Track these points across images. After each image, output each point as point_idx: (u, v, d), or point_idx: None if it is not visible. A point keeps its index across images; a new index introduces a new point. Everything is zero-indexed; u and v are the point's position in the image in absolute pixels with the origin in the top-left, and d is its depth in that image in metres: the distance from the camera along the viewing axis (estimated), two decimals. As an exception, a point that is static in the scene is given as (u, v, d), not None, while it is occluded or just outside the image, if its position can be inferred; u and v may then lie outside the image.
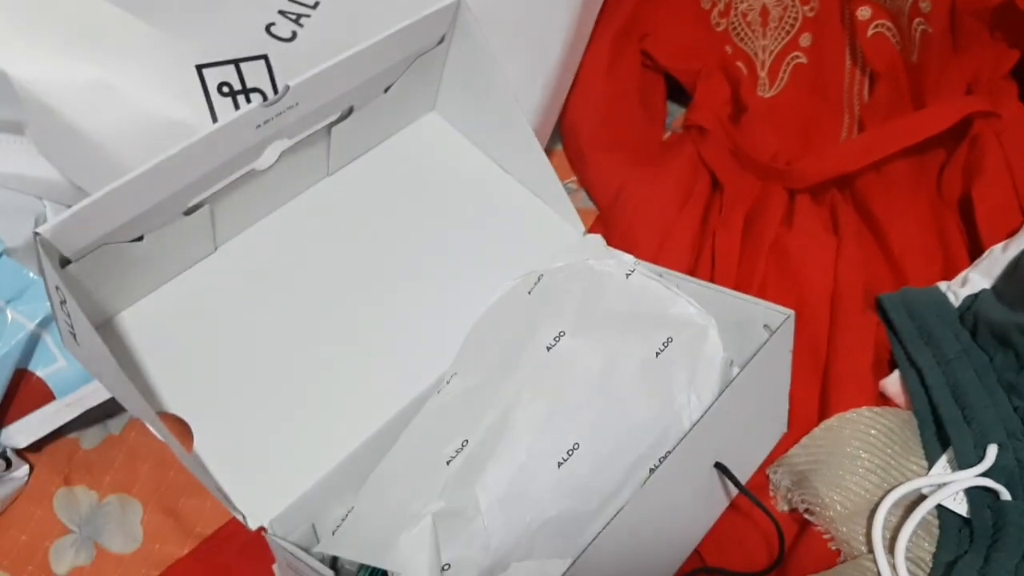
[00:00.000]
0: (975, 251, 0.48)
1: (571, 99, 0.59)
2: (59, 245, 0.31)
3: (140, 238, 0.35)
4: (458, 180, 0.45)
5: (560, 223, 0.45)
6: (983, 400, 0.40)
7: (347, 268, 0.41)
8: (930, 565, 0.37)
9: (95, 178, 0.42)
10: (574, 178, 0.60)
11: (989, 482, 0.37)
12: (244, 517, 0.35)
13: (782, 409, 0.43)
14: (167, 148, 0.31)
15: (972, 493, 0.38)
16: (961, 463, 0.39)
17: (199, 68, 0.41)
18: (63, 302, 0.31)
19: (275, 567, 0.39)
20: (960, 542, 0.37)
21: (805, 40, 0.59)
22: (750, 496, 0.38)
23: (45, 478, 0.47)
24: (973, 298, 0.44)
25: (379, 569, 0.35)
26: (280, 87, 0.35)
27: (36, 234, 0.29)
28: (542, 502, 0.35)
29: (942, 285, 0.46)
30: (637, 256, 0.43)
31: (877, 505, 0.38)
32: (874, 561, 0.37)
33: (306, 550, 0.35)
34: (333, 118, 0.39)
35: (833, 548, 0.39)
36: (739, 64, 0.60)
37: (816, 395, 0.44)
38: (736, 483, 0.38)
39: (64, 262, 0.32)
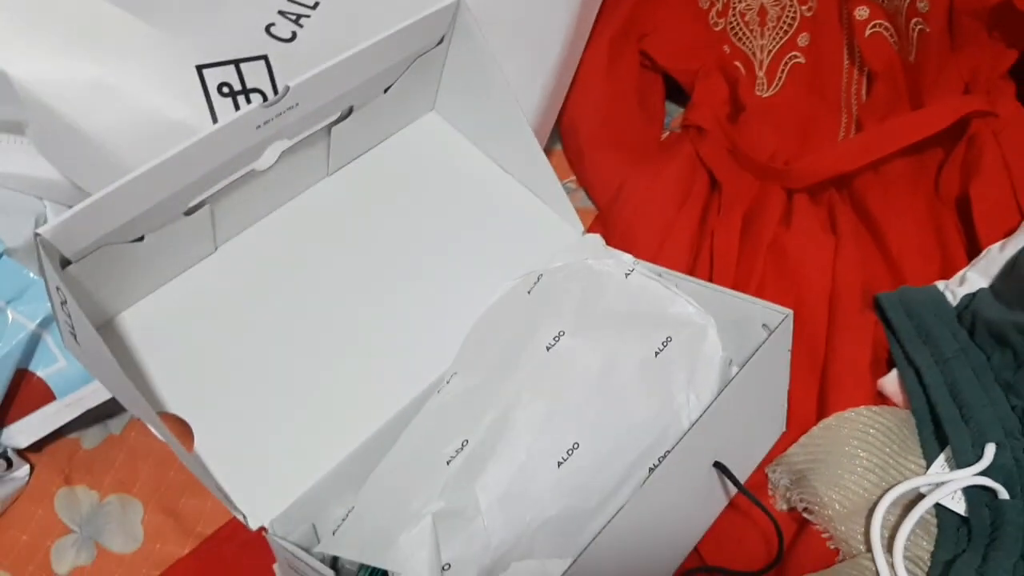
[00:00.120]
0: (973, 250, 0.48)
1: (570, 99, 0.59)
2: (60, 246, 0.31)
3: (141, 238, 0.35)
4: (458, 180, 0.45)
5: (559, 223, 0.45)
6: (981, 399, 0.40)
7: (347, 268, 0.41)
8: (928, 564, 0.37)
9: (95, 178, 0.42)
10: (573, 178, 0.60)
11: (987, 481, 0.37)
12: (245, 517, 0.35)
13: (781, 408, 0.43)
14: (167, 148, 0.31)
15: (970, 492, 0.38)
16: (959, 462, 0.39)
17: (199, 68, 0.41)
18: (64, 302, 0.31)
19: (275, 567, 0.39)
20: (958, 541, 0.37)
21: (803, 40, 0.59)
22: (749, 495, 0.38)
23: (46, 478, 0.48)
24: (971, 297, 0.44)
25: (379, 569, 0.35)
26: (280, 87, 0.35)
27: (37, 235, 0.30)
28: (542, 501, 0.35)
29: (940, 284, 0.46)
30: (636, 255, 0.43)
31: (875, 504, 0.38)
32: (872, 560, 0.37)
33: (306, 550, 0.35)
34: (333, 118, 0.40)
35: (832, 547, 0.39)
36: (737, 64, 0.60)
37: (814, 394, 0.44)
38: (735, 482, 0.38)
39: (65, 262, 0.32)
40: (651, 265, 0.43)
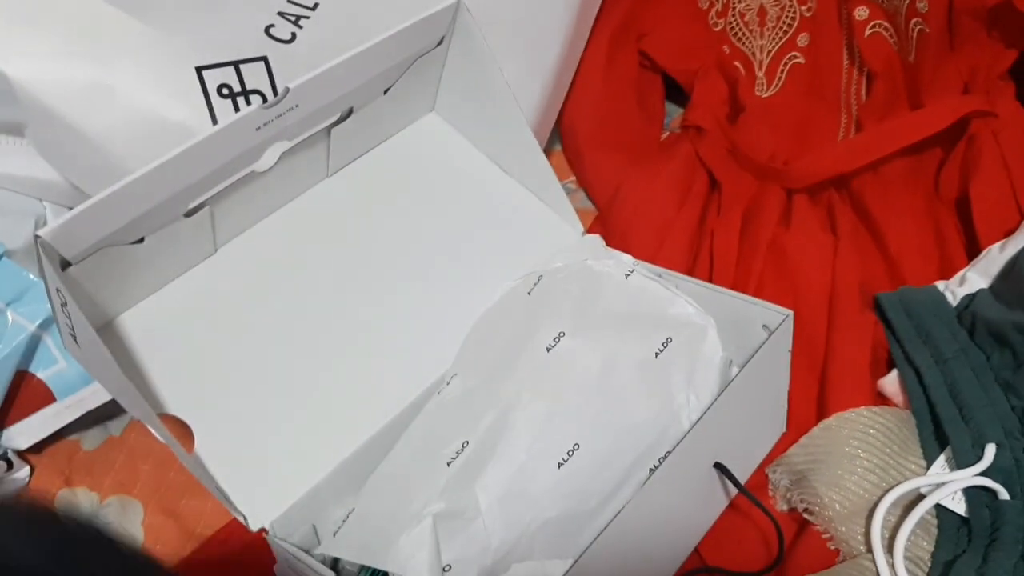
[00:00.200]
0: (972, 250, 0.48)
1: (570, 99, 0.59)
2: (60, 248, 0.31)
3: (141, 240, 0.35)
4: (457, 181, 0.45)
5: (559, 223, 0.45)
6: (981, 399, 0.40)
7: (347, 269, 0.41)
8: (929, 564, 0.37)
9: (94, 179, 0.42)
10: (573, 178, 0.60)
11: (987, 481, 0.37)
12: (245, 518, 0.35)
13: (781, 409, 0.43)
14: (167, 150, 0.31)
15: (970, 492, 0.38)
16: (959, 462, 0.39)
17: (199, 70, 0.41)
18: (64, 304, 0.31)
19: (276, 568, 0.39)
20: (958, 541, 0.37)
21: (803, 40, 0.59)
22: (749, 496, 0.38)
23: (46, 479, 0.47)
24: (971, 297, 0.44)
25: (380, 570, 0.35)
26: (280, 88, 0.35)
27: (37, 237, 0.30)
28: (542, 502, 0.35)
29: (940, 284, 0.46)
30: (635, 256, 0.43)
31: (876, 504, 0.38)
32: (873, 560, 0.37)
33: (307, 551, 0.35)
34: (333, 119, 0.40)
35: (832, 548, 0.39)
36: (737, 64, 0.60)
37: (814, 395, 0.44)
38: (735, 483, 0.38)
39: (65, 264, 0.32)
40: (651, 266, 0.43)
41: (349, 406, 0.38)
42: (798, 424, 0.43)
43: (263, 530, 0.35)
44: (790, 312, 0.38)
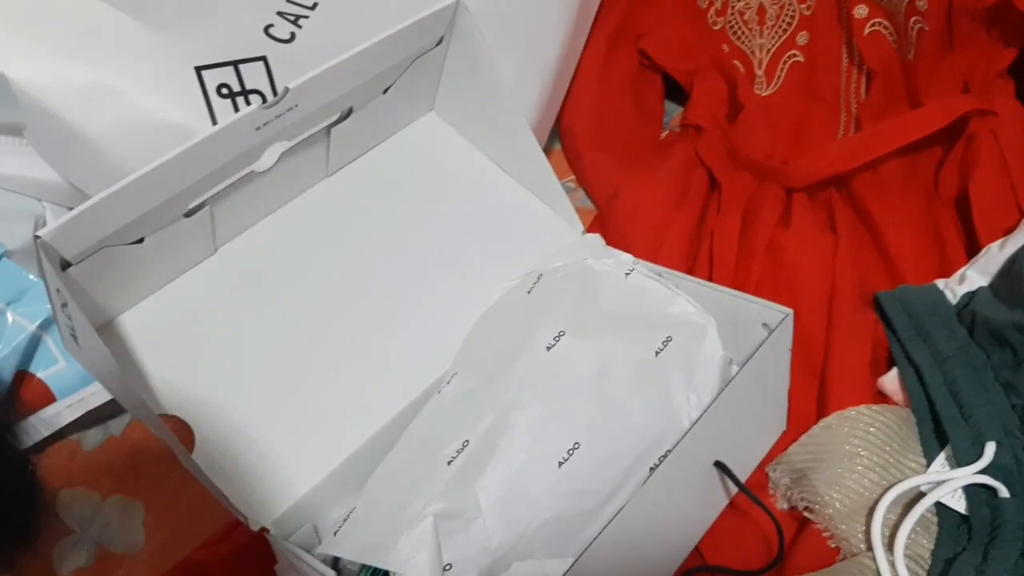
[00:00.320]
0: (972, 249, 0.48)
1: (568, 99, 0.59)
2: (60, 248, 0.31)
3: (140, 240, 0.35)
4: (457, 180, 0.45)
5: (559, 222, 0.45)
6: (980, 398, 0.40)
7: (346, 269, 0.41)
8: (929, 562, 0.37)
9: (94, 180, 0.42)
10: (572, 177, 0.60)
11: (987, 479, 0.37)
12: (246, 518, 0.35)
13: (781, 407, 0.43)
14: (166, 150, 0.31)
15: (970, 490, 0.38)
16: (959, 460, 0.39)
17: (198, 70, 0.41)
18: (64, 305, 0.31)
19: (276, 568, 0.39)
20: (959, 539, 0.37)
21: (802, 38, 0.59)
22: (749, 494, 0.38)
23: (46, 479, 0.47)
24: (970, 296, 0.44)
25: (380, 570, 0.35)
26: (279, 88, 0.35)
27: (37, 237, 0.30)
28: (542, 502, 0.35)
29: (939, 283, 0.46)
30: (634, 255, 0.43)
31: (876, 503, 0.38)
32: (873, 559, 0.37)
33: (308, 551, 0.35)
34: (332, 119, 0.40)
35: (832, 546, 0.39)
36: (736, 63, 0.60)
37: (814, 393, 0.44)
38: (736, 481, 0.38)
39: (65, 265, 0.32)
40: (651, 265, 0.43)
41: (350, 405, 0.38)
42: (798, 423, 0.43)
43: (263, 530, 0.35)
44: (790, 311, 0.38)
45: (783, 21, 0.60)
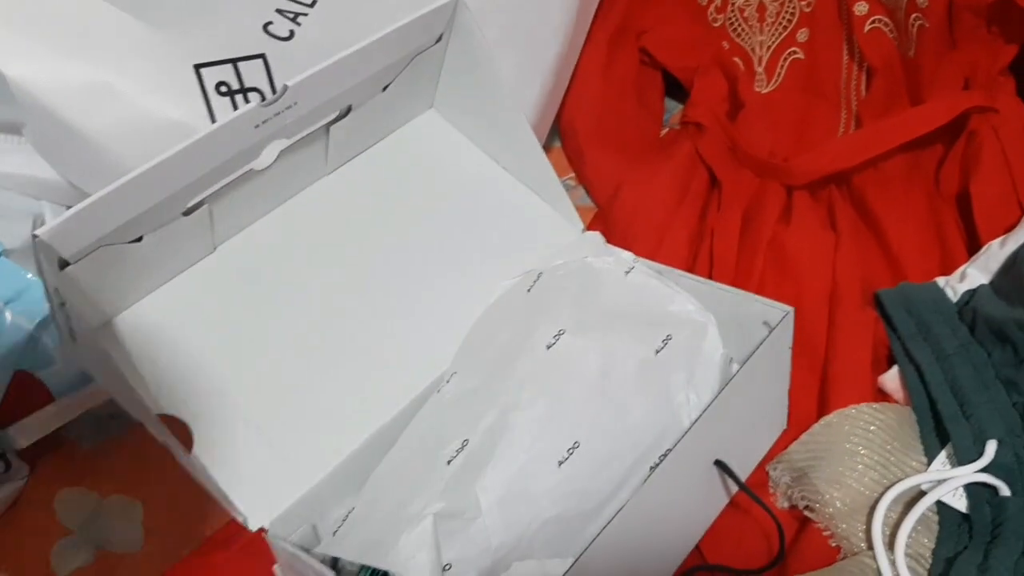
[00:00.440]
0: (973, 246, 0.48)
1: (568, 96, 0.59)
2: (58, 247, 0.31)
3: (139, 239, 0.35)
4: (457, 178, 0.45)
5: (559, 220, 0.45)
6: (981, 396, 0.40)
7: (346, 267, 0.41)
8: (930, 561, 0.37)
9: (93, 178, 0.42)
10: (572, 175, 0.60)
11: (988, 478, 0.37)
12: (245, 518, 0.35)
13: (782, 406, 0.43)
14: (165, 148, 0.31)
15: (971, 489, 0.38)
16: (960, 459, 0.39)
17: (197, 68, 0.41)
18: (62, 304, 0.31)
19: (276, 568, 0.39)
20: (960, 538, 0.37)
21: (802, 35, 0.59)
22: (750, 493, 0.38)
23: (46, 479, 0.47)
24: (971, 293, 0.44)
25: (380, 570, 0.35)
26: (278, 86, 0.35)
27: (35, 236, 0.29)
28: (542, 502, 0.35)
29: (940, 280, 0.46)
30: (635, 253, 0.43)
31: (877, 501, 0.38)
32: (874, 558, 0.37)
33: (307, 551, 0.35)
34: (331, 117, 0.39)
35: (833, 545, 0.39)
36: (736, 60, 0.60)
37: (815, 392, 0.44)
38: (736, 480, 0.38)
39: (63, 264, 0.32)
40: (651, 263, 0.43)
41: (349, 405, 0.38)
42: (799, 421, 0.43)
43: (263, 530, 0.35)
44: (791, 309, 0.38)
45: (783, 18, 0.60)
